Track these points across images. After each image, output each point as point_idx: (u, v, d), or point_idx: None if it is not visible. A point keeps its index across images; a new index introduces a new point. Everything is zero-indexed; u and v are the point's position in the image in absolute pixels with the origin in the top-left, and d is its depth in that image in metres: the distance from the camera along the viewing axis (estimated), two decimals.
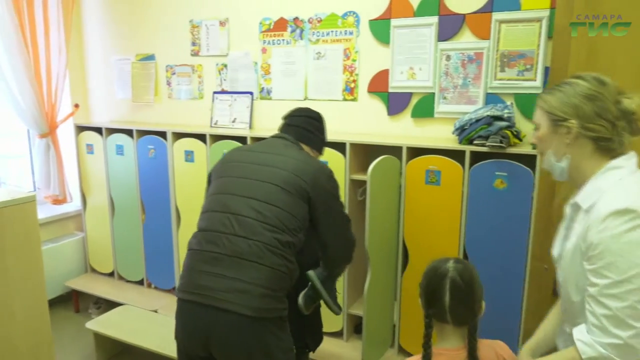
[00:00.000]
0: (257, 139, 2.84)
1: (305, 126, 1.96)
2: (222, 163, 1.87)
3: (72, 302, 3.63)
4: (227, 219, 1.66)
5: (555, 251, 1.40)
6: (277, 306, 1.64)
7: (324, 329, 2.36)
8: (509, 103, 2.35)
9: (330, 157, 2.60)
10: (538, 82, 2.31)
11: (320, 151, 2.08)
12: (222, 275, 1.60)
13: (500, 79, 2.40)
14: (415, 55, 2.59)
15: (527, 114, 2.37)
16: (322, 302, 2.07)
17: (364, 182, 2.45)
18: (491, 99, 2.44)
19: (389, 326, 2.63)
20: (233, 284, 1.59)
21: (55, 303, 3.64)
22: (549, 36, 2.24)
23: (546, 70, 2.27)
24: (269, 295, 1.61)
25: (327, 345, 2.55)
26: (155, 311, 3.12)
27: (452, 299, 1.35)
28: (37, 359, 2.25)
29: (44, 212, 3.60)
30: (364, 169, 2.61)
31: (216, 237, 1.66)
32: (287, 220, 1.66)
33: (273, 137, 1.96)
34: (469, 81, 2.48)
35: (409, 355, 2.59)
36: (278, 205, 1.66)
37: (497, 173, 2.24)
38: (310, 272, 2.00)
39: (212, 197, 1.78)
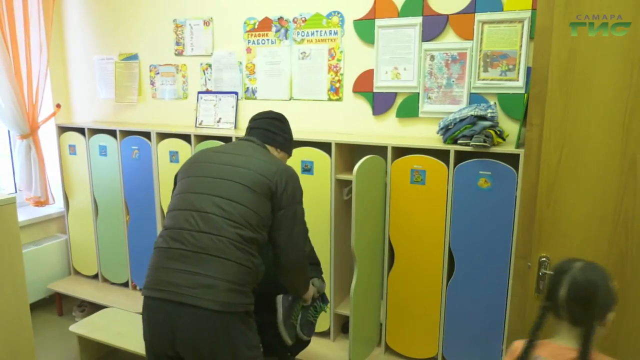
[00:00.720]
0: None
1: (268, 128, 2.00)
2: (188, 164, 1.90)
3: (56, 305, 3.58)
4: (192, 216, 1.69)
5: None
6: (244, 301, 1.67)
7: None
8: (492, 103, 2.37)
9: (316, 157, 2.60)
10: (520, 82, 2.34)
11: (287, 151, 2.10)
12: (188, 271, 1.62)
13: (483, 79, 2.42)
14: (399, 55, 2.60)
15: (511, 114, 2.40)
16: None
17: (349, 182, 2.46)
18: (475, 98, 2.46)
19: (375, 325, 2.64)
20: (199, 279, 1.61)
21: (38, 306, 3.58)
22: (531, 37, 2.26)
23: (528, 70, 2.30)
24: (235, 290, 1.63)
25: (314, 345, 2.55)
26: (141, 313, 3.09)
27: (569, 295, 1.33)
28: None
29: (26, 214, 3.54)
30: (349, 169, 2.62)
31: (181, 234, 1.68)
32: (251, 218, 1.69)
33: (239, 139, 2.00)
34: (453, 81, 2.50)
35: (396, 354, 2.61)
36: (242, 203, 1.69)
37: (481, 172, 2.26)
38: (278, 296, 2.01)
39: (178, 197, 1.80)
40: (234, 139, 2.82)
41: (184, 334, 1.61)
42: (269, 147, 1.97)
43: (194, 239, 1.65)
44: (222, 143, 2.87)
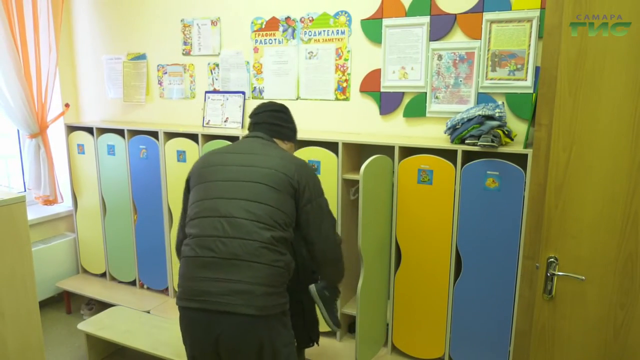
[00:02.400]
0: None
1: (272, 121, 1.97)
2: (200, 167, 1.85)
3: (64, 303, 3.61)
4: (219, 222, 1.67)
5: None
6: (280, 301, 1.67)
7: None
8: (500, 102, 2.36)
9: (323, 157, 2.60)
10: (529, 82, 2.33)
11: (294, 141, 2.09)
12: (221, 279, 1.61)
13: (491, 79, 2.41)
14: (407, 54, 2.59)
15: (519, 114, 2.39)
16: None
17: (356, 182, 2.45)
18: (483, 98, 2.45)
19: (382, 325, 2.64)
20: (233, 286, 1.59)
21: (47, 304, 3.61)
22: (540, 36, 2.25)
23: (537, 70, 2.28)
24: (270, 292, 1.62)
25: (321, 344, 2.55)
26: (148, 312, 3.11)
27: None
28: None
29: (35, 212, 3.57)
30: (356, 169, 2.62)
31: (209, 241, 1.66)
32: (279, 217, 1.68)
33: (246, 137, 1.97)
34: (461, 81, 2.49)
35: (403, 354, 2.60)
36: (268, 203, 1.68)
37: (488, 172, 2.25)
38: (311, 287, 2.01)
39: (199, 203, 1.76)
40: (241, 138, 2.82)
41: (227, 341, 1.61)
42: (276, 140, 1.95)
43: (224, 246, 1.63)
44: (229, 142, 2.88)
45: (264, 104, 2.06)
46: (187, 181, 1.90)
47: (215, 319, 1.61)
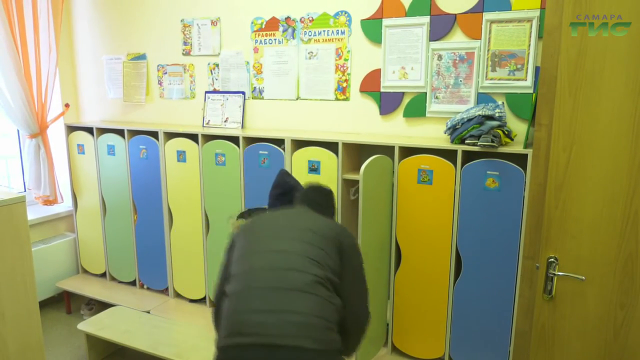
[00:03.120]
0: (249, 139, 2.84)
1: (319, 201, 1.92)
2: (246, 229, 1.76)
3: (64, 303, 3.61)
4: (271, 255, 1.59)
5: None
6: (337, 338, 1.53)
7: None
8: (500, 102, 2.36)
9: (323, 157, 2.60)
10: (529, 82, 2.33)
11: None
12: (276, 310, 1.47)
13: (491, 79, 2.41)
14: (407, 54, 2.59)
15: (519, 114, 2.38)
16: None
17: (356, 182, 2.45)
18: (483, 98, 2.45)
19: (382, 325, 2.64)
20: (290, 317, 1.45)
21: (47, 304, 3.61)
22: (540, 36, 2.25)
23: (537, 70, 2.28)
24: (329, 327, 1.49)
25: None
26: (148, 312, 3.11)
27: None
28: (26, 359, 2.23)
29: (35, 212, 3.57)
30: (356, 169, 2.61)
31: (260, 274, 1.56)
32: (329, 260, 1.59)
33: (291, 207, 1.91)
34: (461, 81, 2.49)
35: (403, 354, 2.60)
36: (319, 246, 1.60)
37: (488, 172, 2.25)
38: None
39: (246, 252, 1.67)
40: (241, 139, 2.83)
41: None
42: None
43: (275, 275, 1.53)
44: (230, 143, 2.88)
45: (313, 185, 1.98)
46: (232, 241, 1.80)
47: (272, 355, 1.42)
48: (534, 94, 2.30)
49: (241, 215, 2.14)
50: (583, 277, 1.70)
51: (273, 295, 1.49)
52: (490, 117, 2.24)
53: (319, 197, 1.93)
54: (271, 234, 1.68)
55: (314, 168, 2.63)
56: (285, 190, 2.11)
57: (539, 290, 1.83)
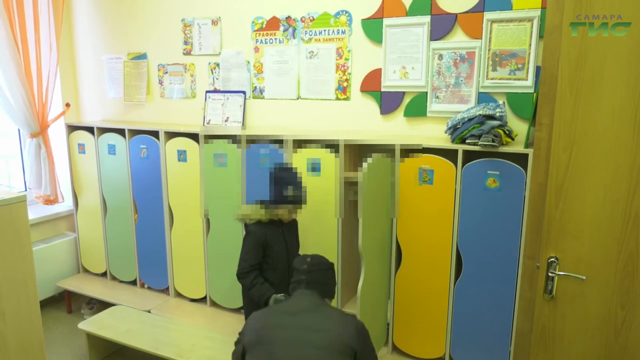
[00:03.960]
0: (250, 139, 2.84)
1: (326, 281, 1.97)
2: (259, 328, 1.79)
3: (65, 302, 3.61)
4: None
5: None
6: None
7: None
8: (501, 102, 2.36)
9: (324, 157, 2.60)
10: (529, 82, 2.32)
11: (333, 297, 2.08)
12: None
13: (492, 78, 2.41)
14: (407, 54, 2.59)
15: (520, 113, 2.38)
16: None
17: (356, 182, 2.45)
18: (483, 98, 2.44)
19: (382, 325, 2.64)
20: None
21: (48, 304, 3.62)
22: (541, 36, 2.25)
23: (537, 69, 2.28)
24: None
25: None
26: (149, 311, 3.11)
27: None
28: (28, 359, 2.23)
29: (36, 212, 3.57)
30: (357, 168, 2.61)
31: None
32: None
33: (299, 294, 1.91)
34: (462, 80, 2.48)
35: (403, 354, 2.60)
36: None
37: (489, 172, 2.25)
38: None
39: None
40: (242, 138, 2.83)
41: None
42: (326, 299, 1.95)
43: None
44: (230, 142, 2.87)
45: (314, 261, 1.99)
46: (242, 340, 1.84)
47: None
48: (534, 94, 2.30)
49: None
50: (584, 277, 1.70)
51: None
52: (491, 117, 2.24)
53: (323, 277, 1.96)
54: (286, 356, 1.68)
55: (314, 168, 2.63)
56: (271, 181, 2.33)
57: (540, 290, 1.83)
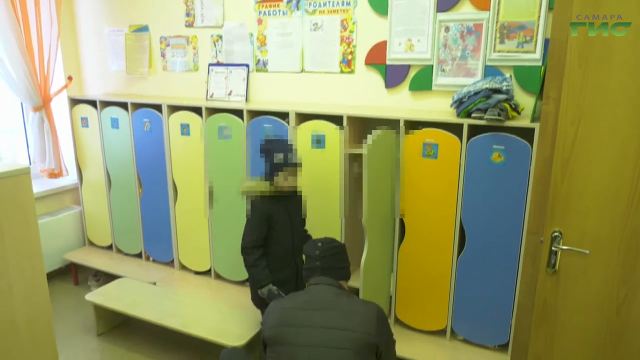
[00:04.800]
0: (253, 112, 2.82)
1: (338, 265, 1.94)
2: (278, 326, 1.76)
3: (71, 275, 3.65)
4: None
5: None
6: None
7: None
8: (507, 75, 2.32)
9: (327, 130, 2.58)
10: (537, 55, 2.28)
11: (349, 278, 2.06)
12: None
13: (499, 51, 2.36)
14: (413, 26, 2.54)
15: (526, 87, 2.35)
16: None
17: (360, 156, 2.44)
18: (490, 71, 2.40)
19: (385, 298, 2.66)
20: None
21: (55, 276, 3.66)
22: (550, 7, 2.19)
23: (546, 42, 2.23)
24: None
25: None
26: (154, 283, 3.15)
27: None
28: (36, 330, 2.26)
29: (40, 186, 3.59)
30: (361, 142, 2.59)
31: None
32: None
33: (315, 284, 1.89)
34: (468, 53, 2.44)
35: (406, 326, 2.63)
36: None
37: (494, 146, 2.23)
38: None
39: None
40: (245, 112, 2.81)
41: None
42: (342, 282, 1.94)
43: None
44: (234, 116, 2.86)
45: (326, 245, 1.96)
46: (264, 338, 1.82)
47: None
48: (542, 67, 2.25)
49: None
50: (587, 252, 1.69)
51: None
52: (498, 91, 2.21)
53: (337, 261, 1.94)
54: (306, 356, 1.67)
55: (318, 141, 2.61)
56: (260, 154, 2.38)
57: (543, 265, 1.83)
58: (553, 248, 1.76)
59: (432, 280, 2.52)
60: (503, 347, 2.45)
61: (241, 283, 3.13)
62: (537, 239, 1.96)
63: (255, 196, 2.37)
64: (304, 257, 2.00)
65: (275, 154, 2.31)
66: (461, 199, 2.36)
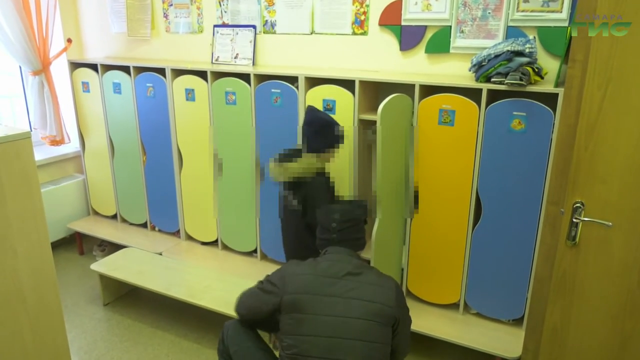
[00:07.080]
0: (261, 76, 2.72)
1: (357, 235, 1.92)
2: (297, 292, 1.73)
3: (76, 244, 3.63)
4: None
5: None
6: None
7: None
8: (531, 37, 2.19)
9: (339, 95, 2.48)
10: (564, 14, 2.15)
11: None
12: None
13: (523, 10, 2.23)
14: None
15: (551, 49, 2.23)
16: None
17: (373, 122, 2.35)
18: (512, 32, 2.28)
19: (397, 270, 2.61)
20: None
21: (59, 245, 3.64)
22: None
23: (574, 0, 2.10)
24: None
25: None
26: (160, 254, 3.11)
27: None
28: (42, 299, 2.24)
29: (42, 153, 3.52)
30: (374, 108, 2.51)
31: None
32: (384, 351, 1.70)
33: (333, 254, 1.85)
34: (489, 13, 2.30)
35: (417, 299, 2.59)
36: (377, 341, 1.68)
37: (515, 113, 2.13)
38: None
39: (309, 339, 1.68)
40: (252, 76, 2.70)
41: None
42: (358, 252, 1.93)
43: None
44: (240, 80, 2.76)
45: (344, 219, 1.89)
46: (275, 291, 1.77)
47: None
48: (568, 28, 2.13)
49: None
50: (610, 224, 1.63)
51: None
52: (520, 53, 2.11)
53: (354, 233, 1.91)
54: (329, 327, 1.68)
55: (329, 107, 2.52)
56: (318, 128, 2.22)
57: (562, 237, 1.77)
58: (574, 220, 1.70)
59: (445, 252, 2.46)
60: (517, 322, 2.41)
61: (249, 254, 3.09)
62: (557, 209, 1.89)
63: (310, 177, 2.26)
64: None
65: (336, 127, 2.23)
66: (478, 168, 2.27)
